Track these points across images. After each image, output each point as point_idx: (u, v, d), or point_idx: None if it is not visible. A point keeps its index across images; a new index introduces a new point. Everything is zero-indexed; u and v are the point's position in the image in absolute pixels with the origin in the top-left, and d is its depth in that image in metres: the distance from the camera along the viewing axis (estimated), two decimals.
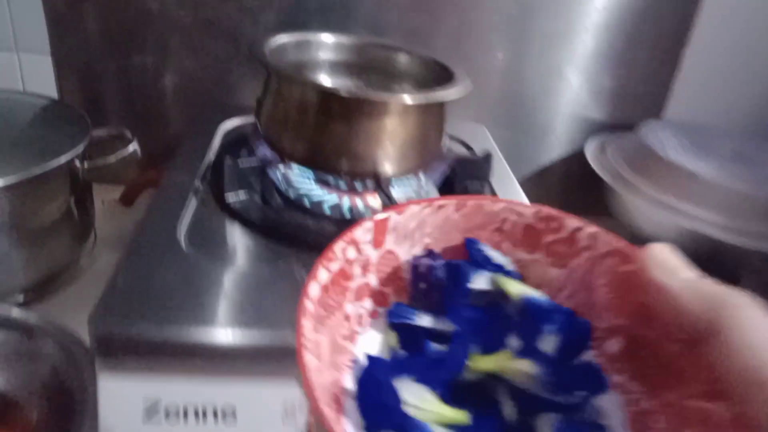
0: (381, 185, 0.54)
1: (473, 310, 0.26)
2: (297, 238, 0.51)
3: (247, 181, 0.55)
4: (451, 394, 0.24)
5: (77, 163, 0.62)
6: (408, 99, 0.51)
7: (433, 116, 0.55)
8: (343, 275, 0.26)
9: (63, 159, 0.59)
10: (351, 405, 0.23)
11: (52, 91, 0.78)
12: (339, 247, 0.26)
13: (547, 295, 0.26)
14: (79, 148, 0.61)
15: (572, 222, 0.28)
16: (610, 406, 0.24)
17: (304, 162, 0.53)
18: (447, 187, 0.62)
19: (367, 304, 0.27)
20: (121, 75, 0.78)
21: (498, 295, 0.26)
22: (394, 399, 0.22)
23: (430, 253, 0.28)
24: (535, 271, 0.28)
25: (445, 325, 0.26)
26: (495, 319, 0.26)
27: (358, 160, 0.52)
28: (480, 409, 0.24)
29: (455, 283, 0.26)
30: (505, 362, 0.24)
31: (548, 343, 0.24)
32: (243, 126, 0.70)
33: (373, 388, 0.23)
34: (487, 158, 0.62)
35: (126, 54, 0.77)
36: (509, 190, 0.64)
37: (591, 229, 0.27)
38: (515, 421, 0.24)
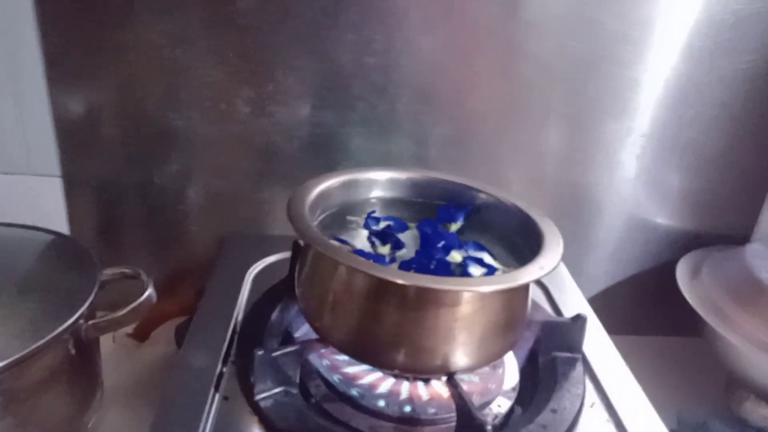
0: (452, 380, 0.42)
1: None
2: None
3: (282, 372, 0.43)
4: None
5: (82, 322, 0.52)
6: (492, 287, 0.39)
7: (518, 295, 0.44)
8: None
9: (62, 326, 0.49)
10: None
11: (62, 217, 0.68)
12: None
13: None
14: (83, 307, 0.51)
15: None
16: None
17: (351, 353, 0.42)
18: (530, 360, 0.50)
19: None
20: (138, 197, 0.69)
21: None
22: None
23: None
24: None
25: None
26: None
27: (422, 356, 0.41)
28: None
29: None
30: None
31: None
32: (277, 267, 0.59)
33: None
34: (579, 321, 0.50)
35: (145, 174, 0.68)
36: (606, 359, 0.52)
37: None
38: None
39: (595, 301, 0.78)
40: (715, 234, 0.76)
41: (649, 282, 0.78)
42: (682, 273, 0.69)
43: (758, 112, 0.70)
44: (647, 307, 0.79)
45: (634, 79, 0.67)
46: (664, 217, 0.76)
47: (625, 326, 0.80)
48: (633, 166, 0.72)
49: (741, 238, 0.75)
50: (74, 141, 0.66)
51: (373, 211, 0.52)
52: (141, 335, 0.69)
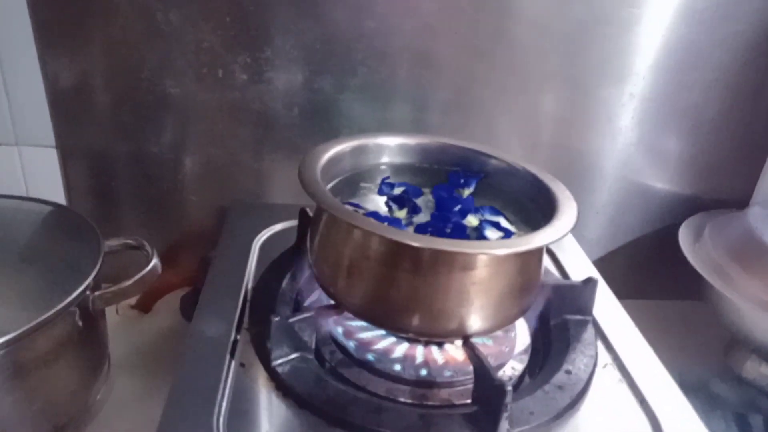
0: (468, 343, 0.42)
1: None
2: (358, 414, 0.39)
3: (298, 338, 0.43)
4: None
5: (88, 293, 0.52)
6: (511, 249, 0.39)
7: (533, 259, 0.43)
8: None
9: (69, 297, 0.48)
10: None
11: (59, 188, 0.67)
12: None
13: None
14: (90, 278, 0.51)
15: None
16: None
17: (366, 317, 0.42)
18: (542, 323, 0.50)
19: None
20: (136, 167, 0.67)
21: None
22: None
23: None
24: None
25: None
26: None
27: (437, 320, 0.41)
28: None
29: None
30: None
31: None
32: (283, 236, 0.58)
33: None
34: (590, 285, 0.50)
35: (142, 143, 0.66)
36: (615, 321, 0.52)
37: None
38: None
39: (595, 266, 0.78)
40: (714, 198, 0.76)
41: (649, 246, 0.78)
42: (684, 236, 0.70)
43: (758, 76, 0.70)
44: (647, 271, 0.80)
45: (633, 42, 0.66)
46: (663, 182, 0.76)
47: (626, 290, 0.80)
48: (632, 130, 0.72)
49: (740, 202, 0.76)
50: (68, 110, 0.64)
51: (387, 177, 0.51)
52: (144, 307, 0.69)
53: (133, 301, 0.68)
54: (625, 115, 0.71)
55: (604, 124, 0.70)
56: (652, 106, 0.70)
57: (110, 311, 0.64)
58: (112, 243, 0.57)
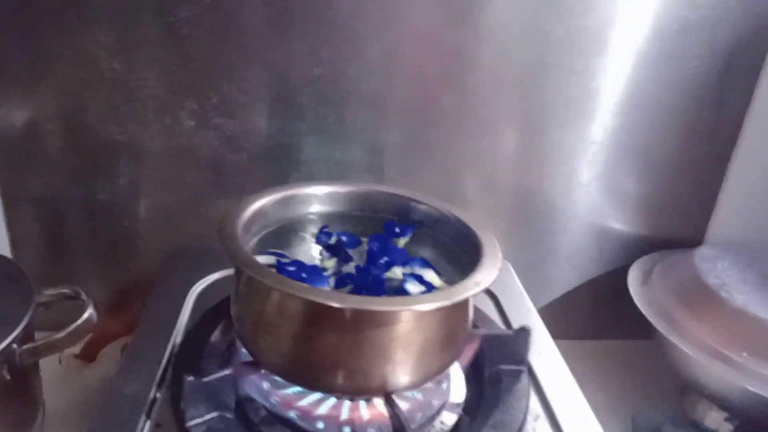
0: (390, 400, 0.41)
1: None
2: None
3: (216, 397, 0.42)
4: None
5: (15, 347, 0.51)
6: (426, 306, 0.39)
7: (457, 311, 0.43)
8: None
9: None
10: None
11: (2, 236, 0.66)
12: None
13: None
14: (15, 331, 0.49)
15: None
16: None
17: (285, 376, 0.42)
18: (476, 372, 0.49)
19: None
20: (82, 213, 0.67)
21: None
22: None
23: None
24: None
25: None
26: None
27: (359, 377, 0.40)
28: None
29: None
30: None
31: None
32: (221, 285, 0.58)
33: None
34: (523, 334, 0.50)
35: (89, 190, 0.66)
36: (552, 369, 0.52)
37: None
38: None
39: (552, 307, 0.78)
40: (668, 238, 0.76)
41: (605, 286, 0.78)
42: (633, 278, 0.69)
43: (708, 116, 0.70)
44: (603, 311, 0.80)
45: (584, 86, 0.67)
46: (618, 222, 0.76)
47: (583, 331, 0.80)
48: (586, 172, 0.72)
49: (694, 241, 0.76)
50: (14, 156, 0.64)
51: (326, 226, 0.51)
52: (88, 356, 0.67)
53: (77, 350, 0.67)
54: (578, 158, 0.71)
55: (558, 165, 0.71)
56: (605, 148, 0.70)
57: (53, 361, 0.63)
58: (49, 293, 0.56)
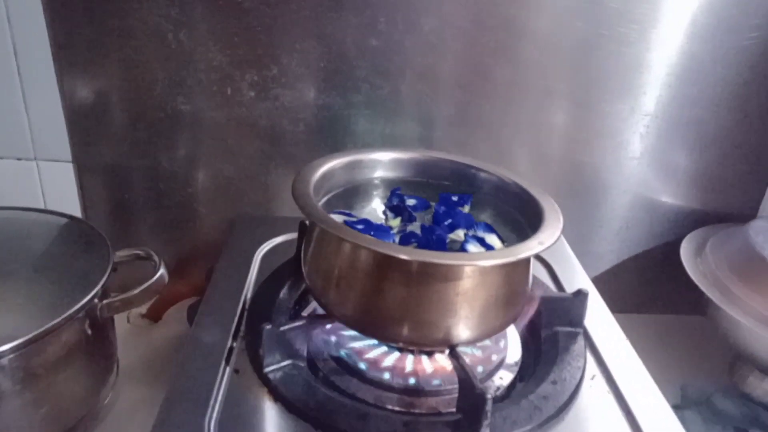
0: (454, 352, 0.43)
1: None
2: (345, 420, 0.41)
3: (290, 346, 0.45)
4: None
5: (96, 301, 0.54)
6: (490, 261, 0.40)
7: (519, 270, 0.45)
8: None
9: (77, 305, 0.51)
10: None
11: (75, 201, 0.70)
12: None
13: None
14: (97, 287, 0.53)
15: None
16: None
17: (355, 327, 0.44)
18: (532, 334, 0.51)
19: None
20: (148, 181, 0.70)
21: None
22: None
23: None
24: None
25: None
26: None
27: (425, 329, 0.42)
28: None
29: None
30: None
31: None
32: (284, 247, 0.60)
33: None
34: (580, 297, 0.51)
35: (154, 158, 0.69)
36: (607, 334, 0.53)
37: None
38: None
39: (600, 280, 0.79)
40: (720, 212, 0.76)
41: (654, 260, 0.78)
42: (686, 251, 0.70)
43: (762, 89, 0.70)
44: (652, 285, 0.80)
45: (637, 57, 0.67)
46: (669, 196, 0.76)
47: (631, 304, 0.81)
48: (637, 145, 0.72)
49: (746, 216, 0.76)
50: (84, 127, 0.67)
51: (398, 188, 0.53)
52: (154, 316, 0.71)
53: (143, 310, 0.70)
54: (629, 130, 0.71)
55: (609, 138, 0.71)
56: (657, 121, 0.70)
57: (121, 320, 0.67)
58: (122, 254, 0.60)
